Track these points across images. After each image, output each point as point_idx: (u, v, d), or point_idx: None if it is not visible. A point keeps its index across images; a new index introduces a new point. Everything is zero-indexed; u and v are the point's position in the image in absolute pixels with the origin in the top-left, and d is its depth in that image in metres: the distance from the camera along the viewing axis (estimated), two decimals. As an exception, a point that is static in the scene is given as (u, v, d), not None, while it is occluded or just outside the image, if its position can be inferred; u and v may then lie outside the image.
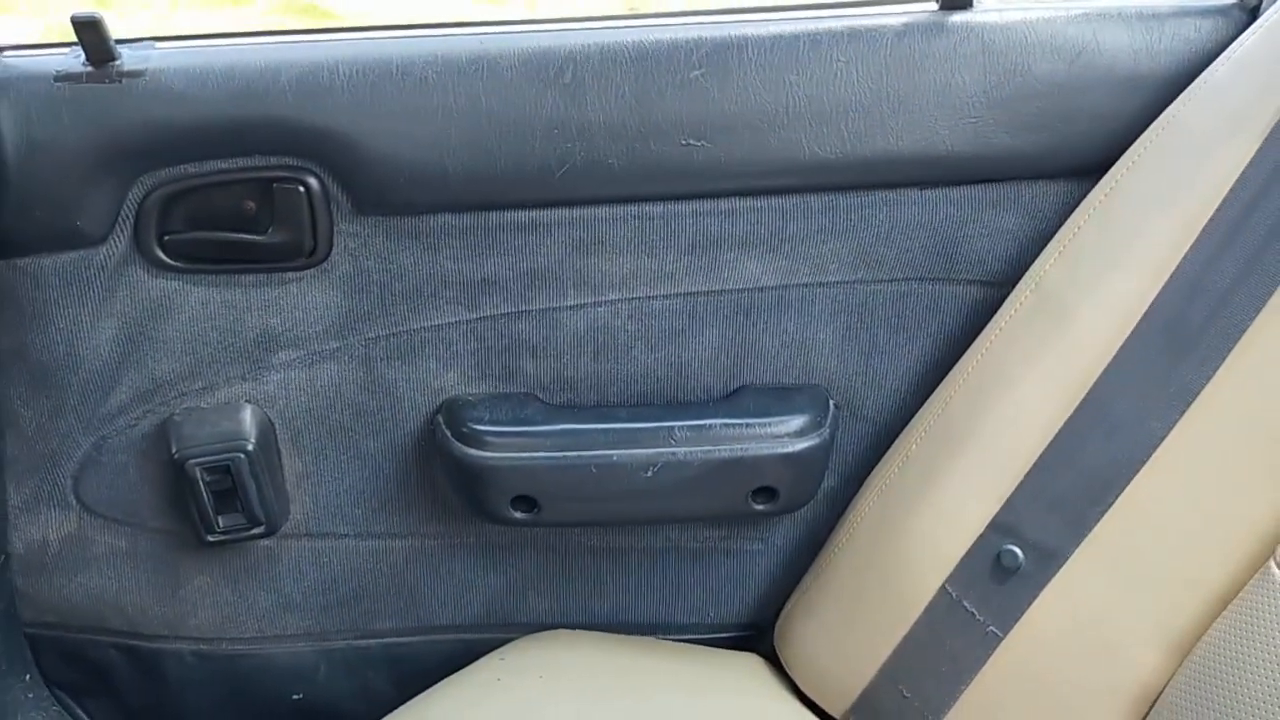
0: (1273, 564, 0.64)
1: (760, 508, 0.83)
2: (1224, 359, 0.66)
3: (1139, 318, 0.68)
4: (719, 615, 0.91)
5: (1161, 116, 0.73)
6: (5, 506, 0.84)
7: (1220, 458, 0.66)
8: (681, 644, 0.89)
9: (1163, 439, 0.68)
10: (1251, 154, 0.65)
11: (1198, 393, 0.67)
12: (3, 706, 0.89)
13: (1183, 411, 0.67)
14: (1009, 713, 0.73)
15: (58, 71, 0.74)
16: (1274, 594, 0.62)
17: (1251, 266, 0.65)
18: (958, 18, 0.77)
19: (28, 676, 0.89)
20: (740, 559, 0.90)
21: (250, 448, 0.81)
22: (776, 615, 0.89)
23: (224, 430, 0.81)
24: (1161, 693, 0.68)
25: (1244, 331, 0.65)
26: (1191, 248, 0.67)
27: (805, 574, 0.87)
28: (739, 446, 0.81)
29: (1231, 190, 0.66)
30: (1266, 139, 0.65)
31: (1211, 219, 0.66)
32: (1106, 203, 0.73)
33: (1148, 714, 0.69)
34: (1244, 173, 0.65)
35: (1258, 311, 0.65)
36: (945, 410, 0.78)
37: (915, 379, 0.84)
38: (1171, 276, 0.67)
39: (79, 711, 0.92)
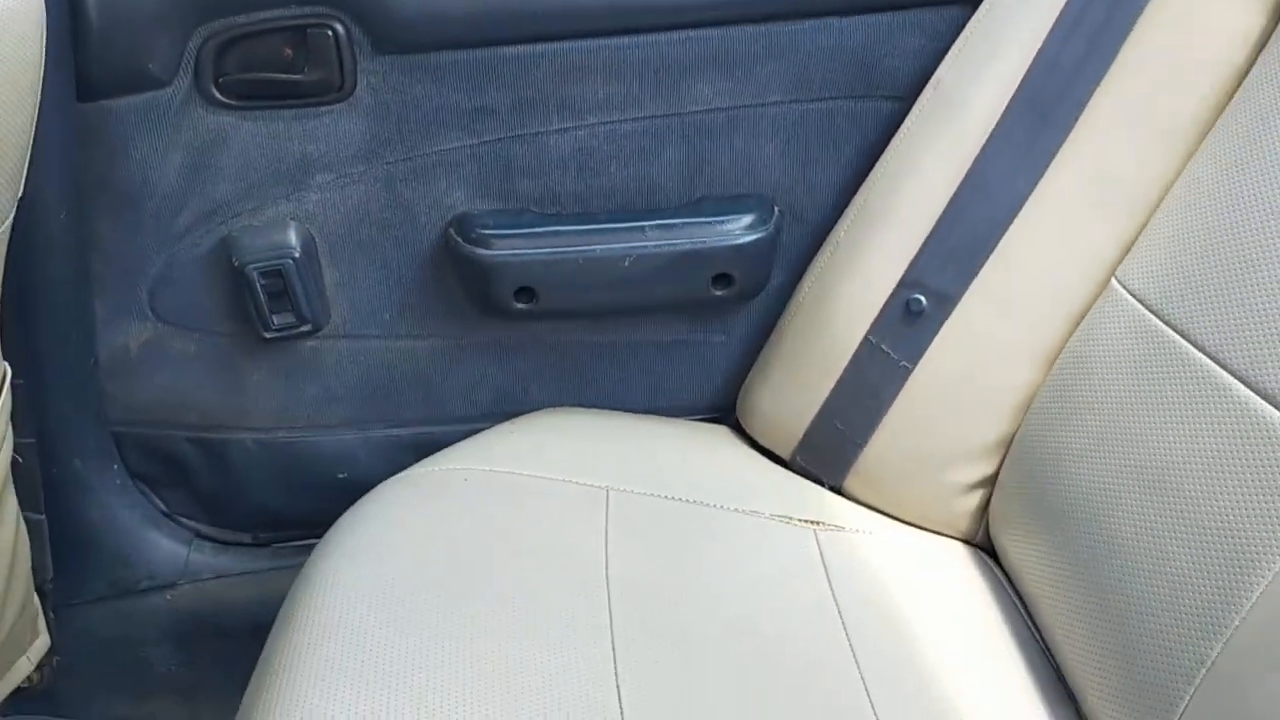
0: (1114, 281, 0.82)
1: (719, 293, 1.00)
2: (1073, 125, 0.83)
3: (1009, 98, 0.86)
4: (691, 398, 1.08)
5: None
6: (93, 319, 1.01)
7: (1072, 204, 0.84)
8: (661, 417, 1.07)
9: (1029, 195, 0.85)
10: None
11: (1054, 154, 0.84)
12: (94, 496, 1.07)
13: (1043, 171, 0.85)
14: (919, 428, 0.91)
15: (129, -59, 0.91)
16: (1115, 305, 0.80)
17: (1092, 45, 0.82)
18: None
19: (115, 467, 1.07)
20: (707, 349, 1.07)
21: (297, 255, 0.98)
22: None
23: (274, 241, 0.98)
24: (1035, 396, 0.86)
25: (1088, 100, 0.83)
26: (1048, 33, 0.84)
27: (760, 355, 1.04)
28: (699, 240, 0.98)
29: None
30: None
31: (1063, 9, 0.83)
32: (988, 12, 0.90)
33: (1026, 416, 0.87)
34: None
35: (1098, 82, 0.82)
36: (865, 201, 0.95)
37: (844, 183, 1.00)
38: (1034, 60, 0.84)
39: (156, 499, 1.10)
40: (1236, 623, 0.60)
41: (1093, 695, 0.71)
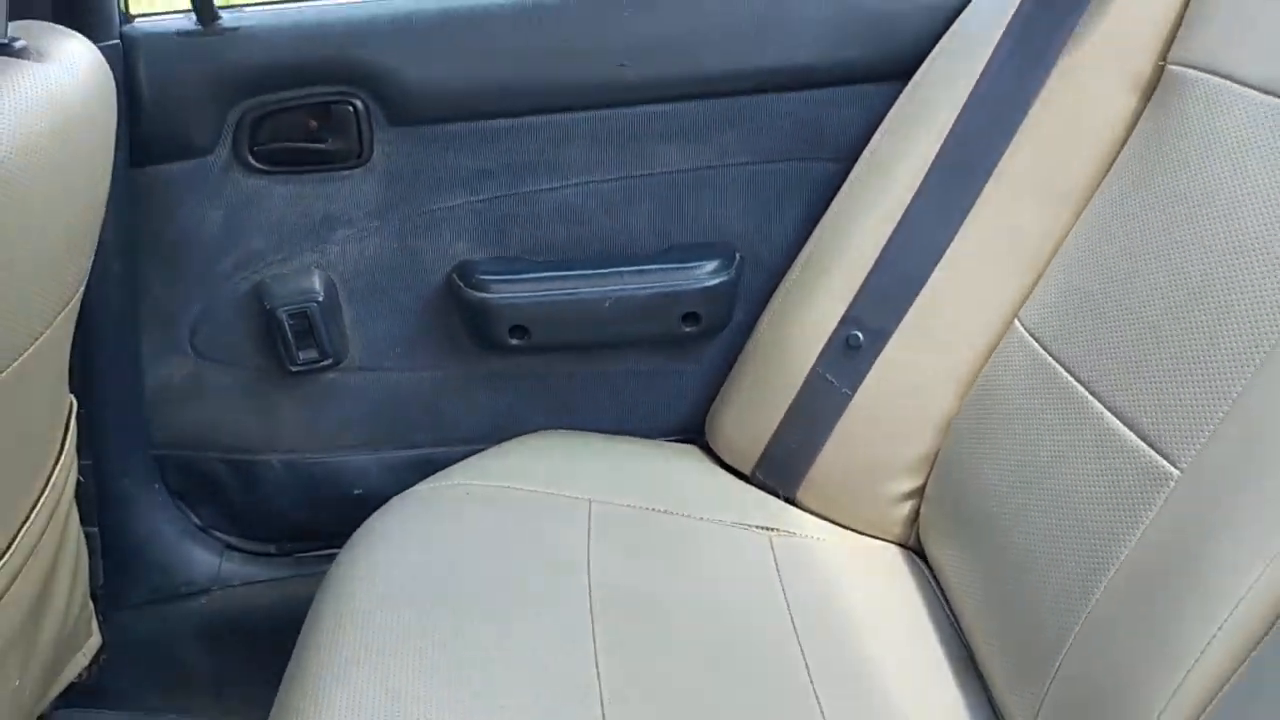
0: (1016, 321, 0.96)
1: (688, 329, 1.15)
2: (983, 188, 0.98)
3: (930, 163, 1.00)
4: (664, 422, 1.23)
5: (950, 30, 1.05)
6: (140, 355, 1.16)
7: (983, 255, 0.99)
8: (638, 438, 1.21)
9: (947, 247, 1.00)
10: (995, 42, 0.97)
11: (968, 212, 0.99)
12: (139, 511, 1.21)
13: (959, 227, 0.99)
14: (859, 446, 1.05)
15: (178, 30, 1.06)
16: (1017, 341, 0.95)
17: (997, 121, 0.97)
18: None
19: (157, 485, 1.21)
20: (678, 378, 1.21)
21: (320, 299, 1.13)
22: (707, 420, 1.21)
23: (301, 287, 1.13)
24: (952, 419, 1.00)
25: (995, 168, 0.98)
26: (960, 111, 0.99)
27: (725, 383, 1.19)
28: (670, 284, 1.13)
29: (983, 68, 0.98)
30: (1004, 32, 0.97)
31: (972, 90, 0.98)
32: (914, 91, 1.05)
33: (946, 437, 1.01)
34: (990, 57, 0.97)
35: (1003, 152, 0.97)
36: (813, 250, 1.10)
37: (796, 234, 1.15)
38: (949, 133, 0.99)
39: (192, 515, 1.24)
40: (1097, 596, 0.75)
41: (991, 661, 0.85)
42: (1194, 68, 0.85)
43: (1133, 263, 0.84)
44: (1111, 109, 0.93)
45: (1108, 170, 0.93)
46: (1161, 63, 0.89)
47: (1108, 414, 0.80)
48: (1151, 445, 0.75)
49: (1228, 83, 0.81)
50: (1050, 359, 0.88)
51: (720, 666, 0.87)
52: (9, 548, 0.79)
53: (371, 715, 0.75)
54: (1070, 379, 0.85)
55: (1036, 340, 0.91)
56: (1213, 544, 0.67)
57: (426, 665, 0.81)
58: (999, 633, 0.85)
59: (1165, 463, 0.73)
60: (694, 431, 1.22)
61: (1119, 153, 0.93)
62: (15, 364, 0.70)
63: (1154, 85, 0.90)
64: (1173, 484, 0.72)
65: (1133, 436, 0.77)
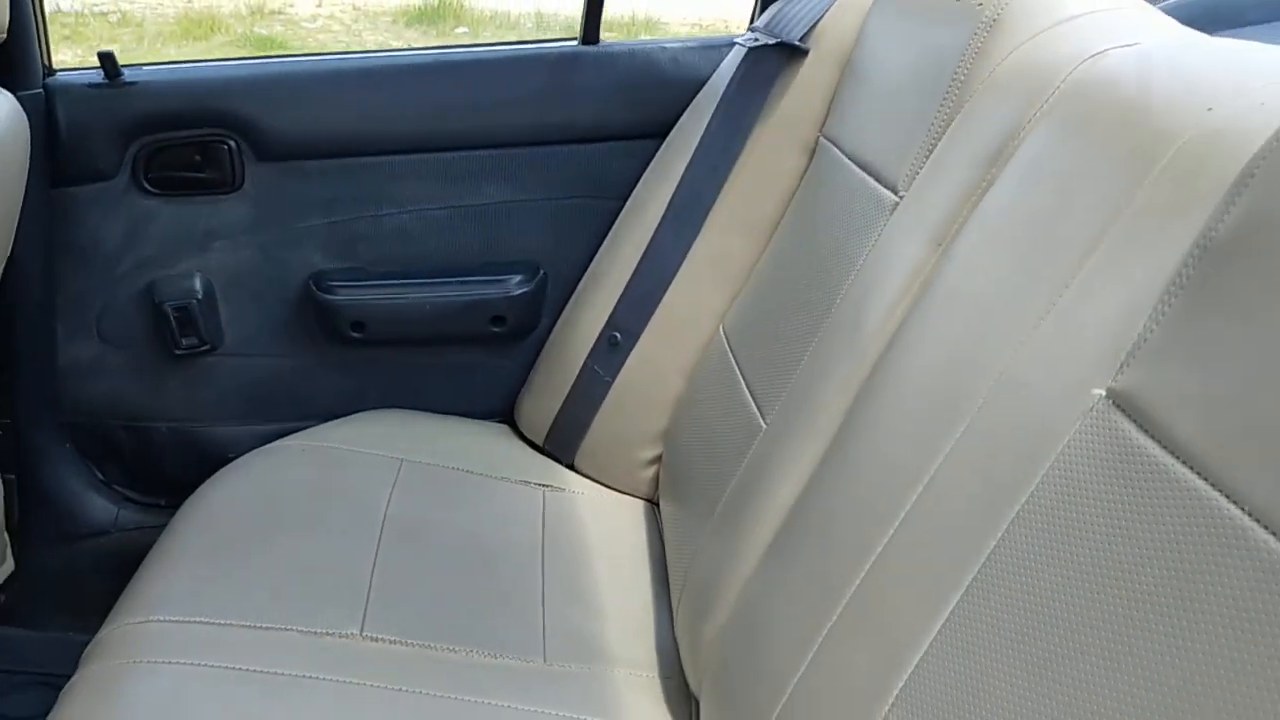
0: (720, 326, 1.25)
1: (496, 329, 1.44)
2: (703, 223, 1.28)
3: (668, 204, 1.30)
4: (483, 405, 1.51)
5: (691, 103, 1.35)
6: (55, 338, 1.43)
7: (702, 274, 1.28)
8: (457, 417, 1.49)
9: (679, 267, 1.29)
10: (711, 108, 1.28)
11: (693, 241, 1.28)
12: (50, 465, 1.48)
13: (686, 252, 1.28)
14: (617, 422, 1.33)
15: (89, 82, 1.34)
16: (717, 341, 1.24)
17: (711, 175, 1.27)
18: (592, 49, 1.39)
19: (67, 445, 1.48)
20: (493, 370, 1.50)
21: (200, 297, 1.41)
22: (518, 405, 1.50)
23: (184, 287, 1.41)
24: (680, 398, 1.29)
25: (711, 206, 1.27)
26: (686, 166, 1.29)
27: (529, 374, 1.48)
28: (482, 292, 1.42)
29: (702, 135, 1.28)
30: (715, 108, 1.27)
31: (694, 151, 1.28)
32: (663, 149, 1.35)
33: (678, 413, 1.30)
34: (705, 127, 1.27)
35: (716, 196, 1.27)
36: (593, 268, 1.40)
37: (586, 254, 1.44)
38: (679, 182, 1.29)
39: (96, 470, 1.51)
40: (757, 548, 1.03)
41: (675, 593, 1.13)
42: (828, 139, 1.15)
43: (782, 292, 1.14)
44: (787, 166, 1.22)
45: (785, 210, 1.23)
46: (819, 133, 1.19)
47: (744, 387, 1.09)
48: (756, 401, 1.04)
49: (838, 150, 1.11)
50: (730, 354, 1.18)
51: (472, 575, 1.15)
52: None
53: (176, 601, 1.02)
54: (735, 369, 1.14)
55: (727, 340, 1.21)
56: (774, 470, 0.96)
57: (228, 569, 1.08)
58: (684, 574, 1.13)
59: (759, 416, 1.02)
60: (506, 413, 1.51)
61: (793, 198, 1.22)
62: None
63: (813, 150, 1.20)
64: (760, 434, 1.01)
65: (751, 402, 1.06)
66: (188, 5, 5.71)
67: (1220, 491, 0.50)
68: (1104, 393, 0.59)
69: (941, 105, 0.92)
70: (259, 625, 1.00)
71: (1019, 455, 0.63)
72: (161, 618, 1.00)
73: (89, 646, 1.02)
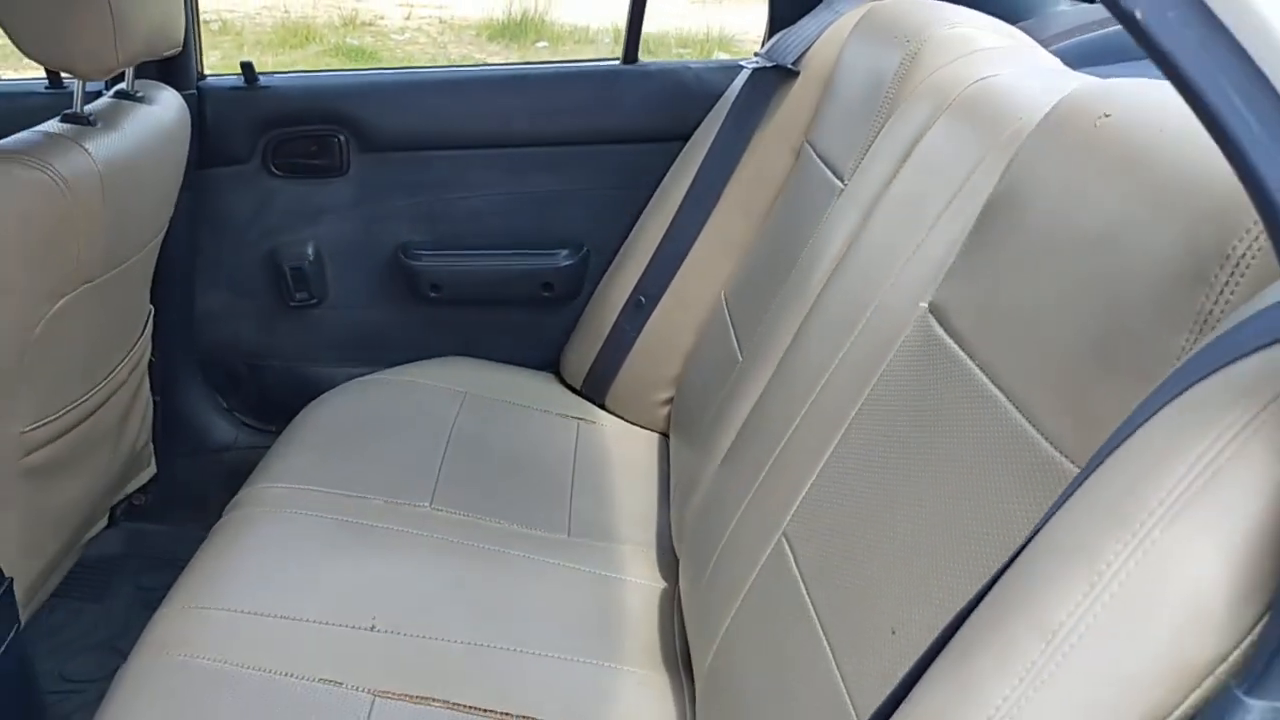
0: (723, 292, 1.55)
1: (547, 295, 1.76)
2: (715, 205, 1.58)
3: (686, 192, 1.60)
4: (537, 357, 1.83)
5: (711, 111, 1.66)
6: (194, 288, 1.79)
7: (712, 248, 1.58)
8: (514, 366, 1.81)
9: (694, 242, 1.59)
10: (723, 116, 1.58)
11: (706, 220, 1.58)
12: (185, 392, 1.84)
13: (700, 229, 1.59)
14: (641, 370, 1.64)
15: (231, 85, 1.69)
16: (720, 303, 1.54)
17: (720, 167, 1.57)
18: (630, 68, 1.71)
19: (199, 377, 1.83)
20: (544, 329, 1.82)
21: (311, 260, 1.75)
22: (564, 358, 1.81)
23: (300, 252, 1.76)
24: (689, 349, 1.59)
25: (721, 192, 1.57)
26: (702, 162, 1.59)
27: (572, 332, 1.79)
28: (535, 262, 1.75)
29: (714, 138, 1.58)
30: (725, 116, 1.57)
31: (708, 151, 1.58)
32: (686, 149, 1.66)
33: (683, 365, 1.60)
34: (717, 131, 1.58)
35: (725, 184, 1.57)
36: (626, 244, 1.71)
37: (621, 233, 1.75)
38: (697, 171, 1.60)
39: (220, 399, 1.86)
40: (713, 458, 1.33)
41: (673, 513, 1.43)
42: (809, 142, 1.45)
43: (772, 259, 1.43)
44: (780, 164, 1.52)
45: (776, 199, 1.52)
46: (804, 138, 1.49)
47: (733, 337, 1.39)
48: (739, 347, 1.34)
49: (812, 151, 1.40)
50: (726, 312, 1.48)
51: (516, 475, 1.46)
52: (108, 376, 1.42)
53: (295, 473, 1.36)
54: (729, 323, 1.44)
55: (725, 302, 1.51)
56: (738, 393, 1.26)
57: (332, 457, 1.41)
58: (679, 495, 1.42)
59: (739, 357, 1.32)
60: (553, 364, 1.82)
61: (782, 189, 1.52)
62: (127, 263, 1.33)
63: (799, 152, 1.49)
64: (736, 368, 1.31)
65: (736, 348, 1.36)
66: (285, 15, 6.16)
67: (977, 365, 0.79)
68: (927, 305, 0.88)
69: (878, 113, 1.21)
70: (355, 494, 1.33)
71: (877, 353, 0.92)
72: (285, 485, 1.33)
73: (232, 501, 1.35)
